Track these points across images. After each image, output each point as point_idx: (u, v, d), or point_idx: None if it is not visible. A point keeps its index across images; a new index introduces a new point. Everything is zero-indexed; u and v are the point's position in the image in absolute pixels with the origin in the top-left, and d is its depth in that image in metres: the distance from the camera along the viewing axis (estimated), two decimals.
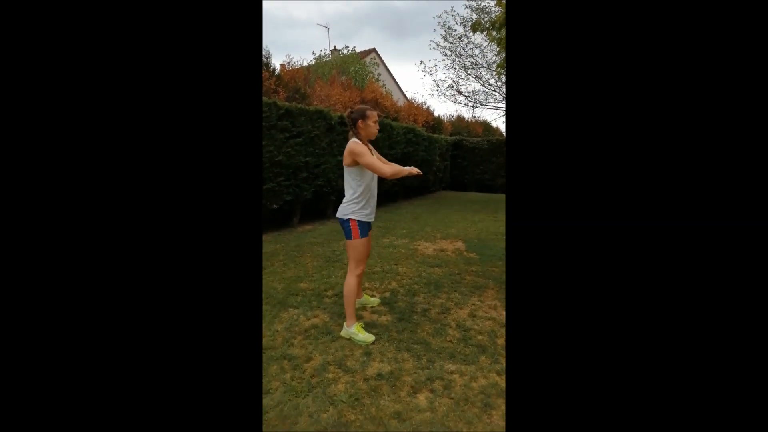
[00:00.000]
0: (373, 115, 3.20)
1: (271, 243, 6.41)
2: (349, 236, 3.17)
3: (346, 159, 3.10)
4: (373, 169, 3.02)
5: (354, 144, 3.06)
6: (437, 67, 17.35)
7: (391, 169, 3.01)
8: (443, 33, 16.00)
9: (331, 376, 2.65)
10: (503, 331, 3.36)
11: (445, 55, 16.18)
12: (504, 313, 3.73)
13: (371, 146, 3.33)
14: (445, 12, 17.69)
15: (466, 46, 15.77)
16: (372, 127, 3.19)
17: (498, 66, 12.07)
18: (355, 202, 3.17)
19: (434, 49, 19.11)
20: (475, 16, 13.89)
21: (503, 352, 2.99)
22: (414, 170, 3.07)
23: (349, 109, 3.27)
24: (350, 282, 3.18)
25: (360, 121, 3.16)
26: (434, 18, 26.78)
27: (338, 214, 3.22)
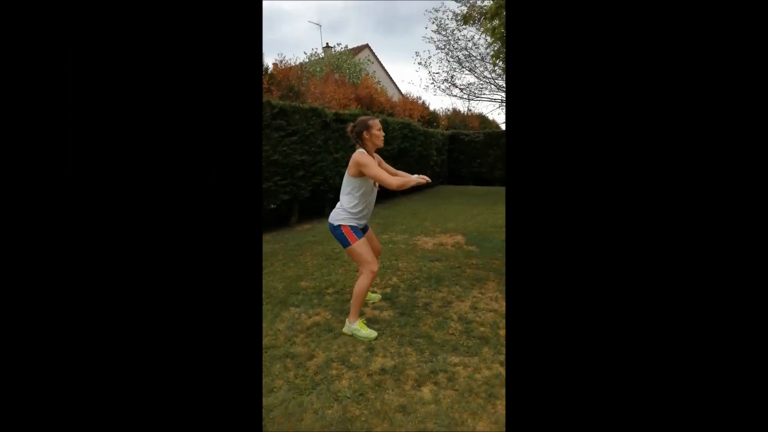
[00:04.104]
0: (375, 123, 3.18)
1: (270, 243, 6.41)
2: (346, 243, 3.15)
3: (351, 169, 3.09)
4: (380, 181, 2.99)
5: (360, 155, 3.05)
6: (432, 60, 17.19)
7: (398, 180, 2.96)
8: (435, 27, 15.96)
9: (334, 372, 2.65)
10: (505, 322, 3.36)
11: (439, 48, 16.14)
12: (505, 304, 3.73)
13: (379, 156, 3.33)
14: (435, 10, 17.64)
15: (459, 39, 15.73)
16: (377, 135, 3.18)
17: (492, 57, 12.04)
18: (349, 211, 3.17)
19: (428, 42, 19.07)
20: (465, 9, 13.84)
21: (506, 343, 2.99)
22: (422, 179, 3.01)
23: (350, 124, 3.26)
24: (363, 282, 3.15)
25: (364, 132, 3.15)
26: (425, 13, 26.68)
27: (330, 219, 3.22)
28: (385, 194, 11.58)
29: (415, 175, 3.05)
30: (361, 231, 3.24)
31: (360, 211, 3.20)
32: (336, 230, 3.17)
